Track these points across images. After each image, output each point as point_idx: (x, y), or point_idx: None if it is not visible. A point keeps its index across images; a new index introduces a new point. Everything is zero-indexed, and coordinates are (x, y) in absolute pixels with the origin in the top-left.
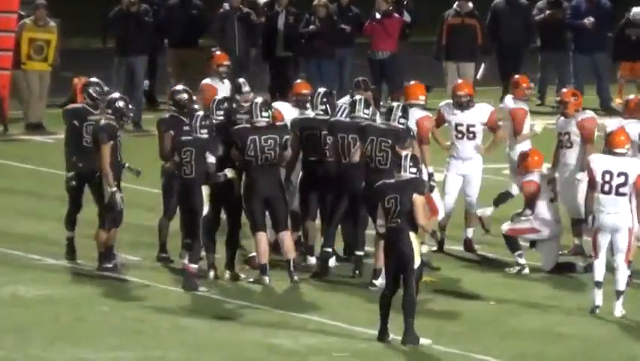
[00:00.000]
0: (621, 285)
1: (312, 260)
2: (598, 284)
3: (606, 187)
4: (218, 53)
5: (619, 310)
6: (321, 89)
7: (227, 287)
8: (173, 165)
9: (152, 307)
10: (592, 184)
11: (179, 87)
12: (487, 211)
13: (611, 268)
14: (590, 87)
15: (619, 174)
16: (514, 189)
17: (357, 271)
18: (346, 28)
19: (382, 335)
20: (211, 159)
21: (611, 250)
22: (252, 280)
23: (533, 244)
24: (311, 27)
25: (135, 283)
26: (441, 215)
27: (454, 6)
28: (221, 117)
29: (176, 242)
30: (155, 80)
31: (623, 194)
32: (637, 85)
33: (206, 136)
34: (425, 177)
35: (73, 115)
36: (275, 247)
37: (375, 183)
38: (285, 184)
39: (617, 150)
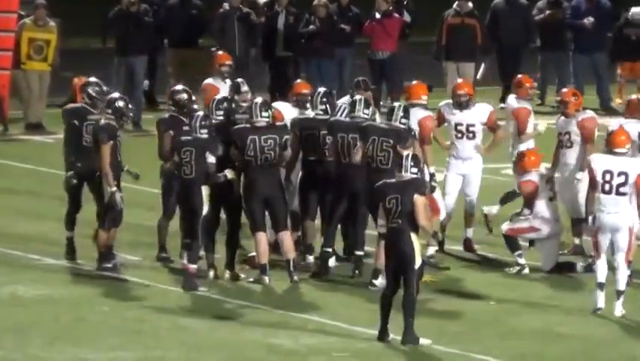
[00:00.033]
0: (621, 285)
1: (310, 259)
2: (600, 286)
3: (606, 187)
4: (220, 52)
5: (619, 310)
6: (321, 89)
7: (227, 287)
8: (173, 165)
9: (152, 307)
10: (592, 184)
11: (179, 87)
12: (493, 210)
13: (611, 268)
14: (589, 87)
15: (619, 174)
16: None
17: (357, 271)
18: (346, 28)
19: (382, 335)
20: (211, 159)
21: (612, 249)
22: (251, 280)
23: (532, 242)
24: (311, 27)
25: (135, 283)
26: (442, 215)
27: (454, 6)
28: (221, 117)
29: (175, 242)
30: (154, 80)
31: (624, 193)
32: (637, 85)
33: (206, 136)
34: (427, 177)
35: (72, 115)
36: (275, 247)
37: (377, 183)
38: (284, 184)
39: (618, 150)
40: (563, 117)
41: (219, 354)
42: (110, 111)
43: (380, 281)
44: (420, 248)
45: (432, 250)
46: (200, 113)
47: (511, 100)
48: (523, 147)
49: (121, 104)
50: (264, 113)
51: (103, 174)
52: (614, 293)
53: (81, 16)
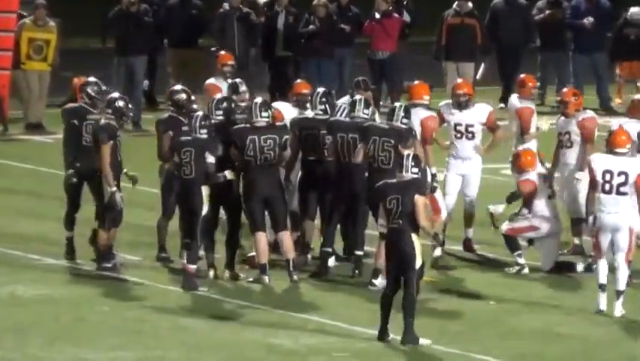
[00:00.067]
0: (621, 285)
1: (308, 257)
2: (602, 287)
3: (607, 187)
4: (223, 53)
5: (619, 310)
6: (320, 89)
7: (226, 287)
8: (173, 166)
9: (152, 307)
10: (593, 184)
11: (178, 87)
12: (500, 208)
13: (611, 268)
14: (589, 87)
15: (619, 174)
16: None
17: (356, 271)
18: (346, 28)
19: (382, 335)
20: (210, 159)
21: (612, 249)
22: (251, 279)
23: (532, 241)
24: (310, 27)
25: (135, 283)
26: (444, 215)
27: (454, 6)
28: (221, 117)
29: (175, 242)
30: (154, 80)
31: (624, 193)
32: (637, 85)
33: (205, 136)
34: (429, 177)
35: (72, 114)
36: (274, 246)
37: (378, 183)
38: (284, 184)
39: (618, 150)
40: (563, 117)
41: (219, 354)
42: (110, 111)
43: (380, 281)
44: (420, 248)
45: (438, 251)
46: (200, 113)
47: (514, 99)
48: (526, 147)
49: (121, 103)
50: (264, 113)
51: (103, 174)
52: (613, 293)
53: (81, 16)
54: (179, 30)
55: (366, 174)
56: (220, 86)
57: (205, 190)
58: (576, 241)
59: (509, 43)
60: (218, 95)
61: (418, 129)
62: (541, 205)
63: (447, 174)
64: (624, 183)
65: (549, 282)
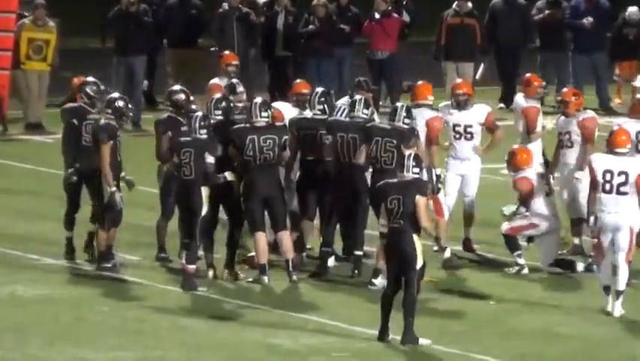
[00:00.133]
0: (621, 285)
1: (303, 256)
2: (606, 289)
3: (607, 186)
4: (227, 52)
5: (618, 310)
6: (319, 89)
7: (226, 287)
8: (173, 167)
9: (152, 307)
10: (593, 184)
11: (176, 87)
12: (512, 208)
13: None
14: (589, 87)
15: (619, 173)
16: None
17: (356, 271)
18: (345, 28)
19: (382, 335)
20: (210, 159)
21: (612, 249)
22: (251, 279)
23: (531, 239)
24: (310, 27)
25: (135, 283)
26: (447, 217)
27: (454, 6)
28: (220, 117)
29: (174, 242)
30: (154, 80)
31: (624, 193)
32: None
33: (205, 137)
34: (433, 178)
35: (72, 114)
36: (274, 247)
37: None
38: (284, 184)
39: (619, 150)
40: (563, 117)
41: (219, 354)
42: (109, 111)
43: (380, 281)
44: (421, 249)
45: (448, 252)
46: (199, 113)
47: (520, 99)
48: (532, 146)
49: (121, 103)
50: (264, 114)
51: (103, 174)
52: (613, 293)
53: (80, 15)
54: (178, 30)
55: (370, 175)
56: (223, 85)
57: (205, 191)
58: (576, 241)
59: (508, 43)
60: (217, 95)
61: (423, 130)
62: (539, 203)
63: (446, 175)
64: (624, 183)
65: (549, 282)
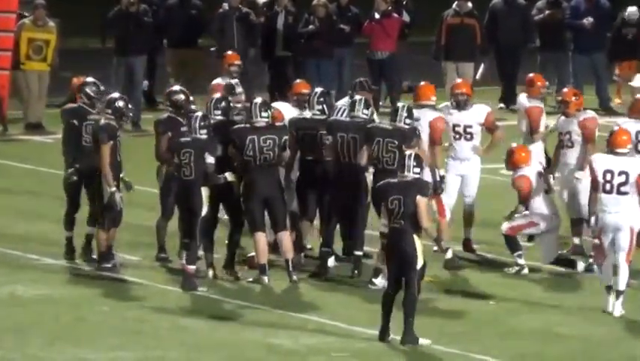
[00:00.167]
0: (621, 285)
1: (301, 256)
2: (608, 289)
3: (607, 186)
4: (230, 52)
5: (618, 310)
6: (318, 89)
7: (226, 287)
8: (173, 167)
9: (152, 307)
10: (594, 184)
11: (176, 88)
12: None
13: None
14: (589, 87)
15: (620, 173)
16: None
17: (356, 271)
18: (345, 28)
19: (383, 335)
20: (210, 159)
21: (612, 249)
22: (251, 279)
23: (532, 238)
24: (310, 27)
25: (135, 283)
26: (448, 217)
27: (454, 6)
28: (219, 116)
29: (174, 242)
30: (154, 80)
31: (625, 193)
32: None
33: (205, 137)
34: (437, 178)
35: (72, 114)
36: (274, 247)
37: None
38: (284, 183)
39: (619, 150)
40: (563, 117)
41: (219, 354)
42: (109, 111)
43: (380, 280)
44: (422, 249)
45: (450, 253)
46: (199, 113)
47: (523, 99)
48: (534, 146)
49: (121, 104)
50: (264, 114)
51: (103, 174)
52: (613, 293)
53: (80, 16)
54: (178, 30)
55: (371, 175)
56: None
57: (205, 191)
58: (576, 241)
59: (508, 43)
60: (217, 95)
61: (426, 130)
62: (538, 201)
63: (446, 175)
64: (625, 183)
65: (549, 282)
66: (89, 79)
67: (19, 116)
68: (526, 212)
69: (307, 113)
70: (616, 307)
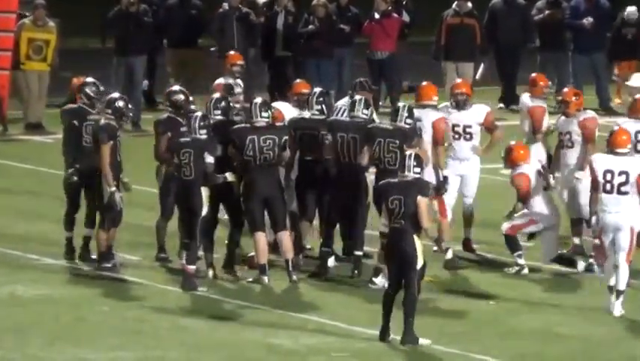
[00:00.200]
0: (621, 285)
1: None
2: (610, 289)
3: (608, 186)
4: (232, 52)
5: (618, 310)
6: (317, 89)
7: (226, 287)
8: (173, 167)
9: (152, 307)
10: (594, 185)
11: (176, 88)
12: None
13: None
14: (588, 87)
15: (620, 173)
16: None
17: (356, 271)
18: (345, 28)
19: (384, 334)
20: (209, 159)
21: (613, 248)
22: (251, 279)
23: (532, 236)
24: (310, 27)
25: (135, 283)
26: (449, 217)
27: (453, 6)
28: (219, 116)
29: (174, 242)
30: (154, 80)
31: (625, 193)
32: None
33: (204, 137)
34: (439, 179)
35: (72, 115)
36: (274, 247)
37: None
38: (284, 183)
39: (619, 150)
40: (563, 117)
41: (219, 354)
42: (109, 111)
43: (380, 280)
44: (422, 249)
45: (450, 253)
46: (199, 113)
47: (525, 98)
48: (537, 146)
49: (121, 104)
50: (264, 114)
51: (103, 174)
52: (614, 293)
53: (80, 16)
54: (178, 30)
55: (373, 175)
56: (240, 84)
57: (205, 191)
58: (576, 241)
59: (508, 43)
60: (216, 95)
61: (428, 131)
62: (537, 199)
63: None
64: (625, 183)
65: (549, 282)
66: (89, 79)
67: (19, 116)
68: (526, 211)
69: (306, 114)
70: (616, 307)
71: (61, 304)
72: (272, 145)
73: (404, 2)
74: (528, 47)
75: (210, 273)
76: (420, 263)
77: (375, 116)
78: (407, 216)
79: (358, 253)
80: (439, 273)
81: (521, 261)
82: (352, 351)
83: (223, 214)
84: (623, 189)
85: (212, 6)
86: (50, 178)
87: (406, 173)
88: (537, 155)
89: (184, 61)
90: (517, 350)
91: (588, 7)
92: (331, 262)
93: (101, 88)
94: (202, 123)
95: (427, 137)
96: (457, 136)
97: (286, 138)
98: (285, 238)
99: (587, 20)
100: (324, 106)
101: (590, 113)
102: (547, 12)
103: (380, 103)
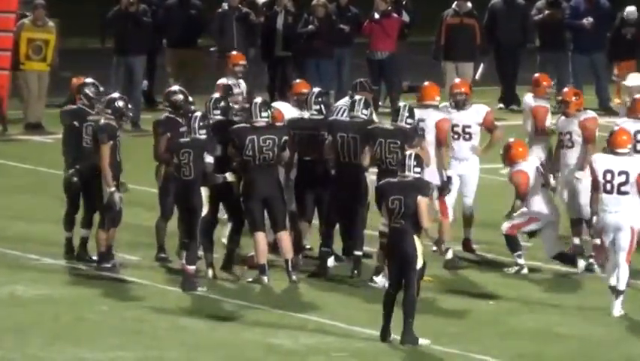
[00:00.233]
0: (621, 285)
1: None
2: (612, 289)
3: (608, 186)
4: (234, 52)
5: (618, 310)
6: (315, 89)
7: (226, 287)
8: (173, 168)
9: (152, 307)
10: (595, 185)
11: (175, 88)
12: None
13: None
14: (588, 87)
15: (620, 173)
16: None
17: (355, 271)
18: (345, 28)
19: (385, 334)
20: (209, 158)
21: (613, 248)
22: (250, 279)
23: (532, 234)
24: (310, 27)
25: (134, 283)
26: (451, 218)
27: (453, 6)
28: (218, 116)
29: (174, 242)
30: (153, 80)
31: (625, 193)
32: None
33: (204, 137)
34: (443, 179)
35: (72, 116)
36: (274, 246)
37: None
38: (284, 183)
39: (619, 150)
40: (563, 117)
41: (219, 354)
42: (109, 111)
43: (380, 279)
44: (422, 249)
45: (450, 253)
46: (198, 113)
47: (529, 98)
48: (540, 146)
49: (121, 104)
50: (264, 114)
51: (102, 174)
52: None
53: (80, 16)
54: (178, 30)
55: (374, 176)
56: (238, 85)
57: (205, 191)
58: (576, 241)
59: (507, 43)
60: (216, 95)
61: (432, 131)
62: (536, 197)
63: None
64: (625, 183)
65: (549, 282)
66: (88, 80)
67: (19, 116)
68: (525, 209)
69: (305, 114)
70: (615, 306)
71: (61, 304)
72: (271, 145)
73: (404, 2)
74: (528, 47)
75: (210, 273)
76: (419, 263)
77: (374, 116)
78: (407, 216)
79: (358, 253)
80: (439, 273)
81: (521, 261)
82: (352, 351)
83: (223, 214)
84: (623, 189)
85: (211, 6)
86: (50, 178)
87: (406, 173)
88: (537, 154)
89: (183, 61)
90: (516, 350)
91: (588, 7)
92: (331, 262)
93: (101, 88)
94: (201, 123)
95: (431, 137)
96: (456, 136)
97: (286, 138)
98: (285, 238)
99: (587, 20)
100: (322, 106)
101: (591, 114)
102: (546, 12)
103: (380, 103)
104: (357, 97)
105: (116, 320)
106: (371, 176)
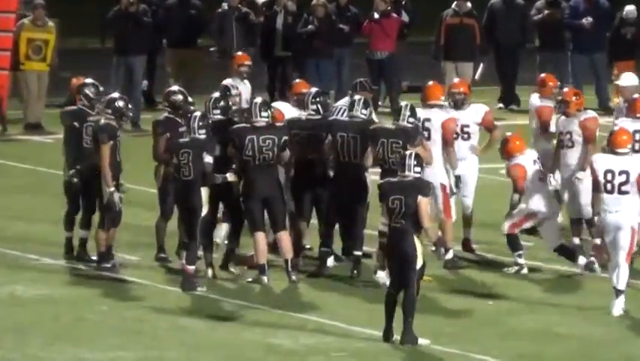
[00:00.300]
0: (621, 284)
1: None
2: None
3: (608, 186)
4: (239, 53)
5: (618, 309)
6: (313, 90)
7: (225, 287)
8: (172, 168)
9: (151, 307)
10: (595, 185)
11: (174, 88)
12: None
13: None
14: (588, 87)
15: (620, 173)
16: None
17: (355, 271)
18: (345, 28)
19: (387, 335)
20: (208, 158)
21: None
22: (250, 279)
23: (533, 230)
24: (309, 27)
25: (134, 283)
26: (454, 217)
27: (453, 6)
28: (218, 116)
29: (174, 242)
30: (153, 80)
31: (626, 192)
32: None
33: (204, 137)
34: (452, 179)
35: (72, 117)
36: (273, 246)
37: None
38: (284, 183)
39: (620, 150)
40: (563, 117)
41: (218, 354)
42: (109, 111)
43: (382, 275)
44: (422, 249)
45: (450, 253)
46: (198, 113)
47: (534, 98)
48: (543, 145)
49: (121, 104)
50: (264, 113)
51: (102, 174)
52: (613, 293)
53: (80, 16)
54: (178, 30)
55: (376, 176)
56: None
57: (205, 191)
58: (576, 241)
59: (507, 43)
60: (215, 95)
61: (438, 131)
62: (534, 192)
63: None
64: (625, 183)
65: (549, 282)
66: (88, 80)
67: (19, 116)
68: (522, 206)
69: (304, 114)
70: (615, 306)
71: (61, 304)
72: (271, 145)
73: (403, 2)
74: (527, 47)
75: (209, 272)
76: (419, 263)
77: (374, 116)
78: (407, 216)
79: (358, 253)
80: (439, 273)
81: (521, 260)
82: (351, 351)
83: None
84: (623, 188)
85: (211, 6)
86: (49, 178)
87: (406, 173)
88: (542, 154)
89: (183, 61)
90: (516, 350)
91: (587, 7)
92: (331, 262)
93: (100, 88)
94: (201, 123)
95: (437, 137)
96: (455, 136)
97: (286, 138)
98: (285, 238)
99: (587, 20)
100: (319, 106)
101: (591, 114)
102: (546, 12)
103: (380, 103)
104: (356, 97)
105: (116, 320)
106: (372, 176)
